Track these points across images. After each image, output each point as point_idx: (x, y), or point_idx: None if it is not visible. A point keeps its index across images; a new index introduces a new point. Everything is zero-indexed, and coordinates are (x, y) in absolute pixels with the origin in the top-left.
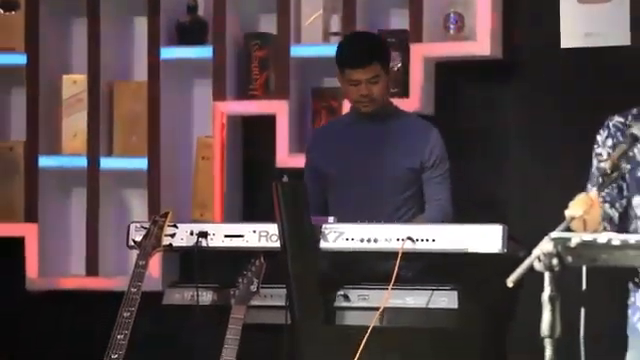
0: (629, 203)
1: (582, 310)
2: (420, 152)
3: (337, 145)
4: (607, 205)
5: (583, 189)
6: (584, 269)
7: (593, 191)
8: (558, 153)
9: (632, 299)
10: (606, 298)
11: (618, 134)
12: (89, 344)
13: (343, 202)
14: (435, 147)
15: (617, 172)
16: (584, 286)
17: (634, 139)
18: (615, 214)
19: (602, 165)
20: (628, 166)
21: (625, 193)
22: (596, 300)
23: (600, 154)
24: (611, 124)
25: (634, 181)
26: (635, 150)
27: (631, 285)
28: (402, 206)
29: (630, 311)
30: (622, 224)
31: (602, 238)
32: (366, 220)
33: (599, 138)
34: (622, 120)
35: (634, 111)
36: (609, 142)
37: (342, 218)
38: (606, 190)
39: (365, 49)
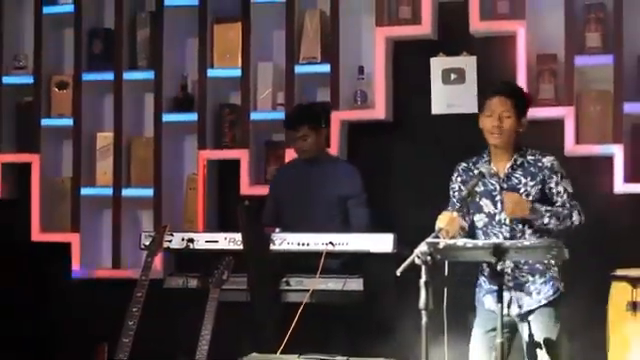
0: (473, 219)
1: (445, 290)
2: (345, 186)
3: (288, 180)
4: (461, 219)
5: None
6: (446, 263)
7: (455, 212)
8: (430, 186)
9: (479, 281)
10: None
11: (463, 174)
12: (114, 313)
13: (291, 218)
14: (356, 183)
15: (471, 197)
16: (446, 272)
17: (482, 175)
18: (466, 225)
19: (462, 193)
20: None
21: (471, 211)
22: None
23: (454, 188)
24: (460, 168)
25: (474, 205)
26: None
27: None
28: (330, 223)
29: (477, 289)
30: (470, 231)
31: (460, 242)
32: (305, 230)
33: (452, 178)
34: (466, 165)
35: (473, 159)
36: (459, 179)
37: (289, 229)
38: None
39: (295, 116)
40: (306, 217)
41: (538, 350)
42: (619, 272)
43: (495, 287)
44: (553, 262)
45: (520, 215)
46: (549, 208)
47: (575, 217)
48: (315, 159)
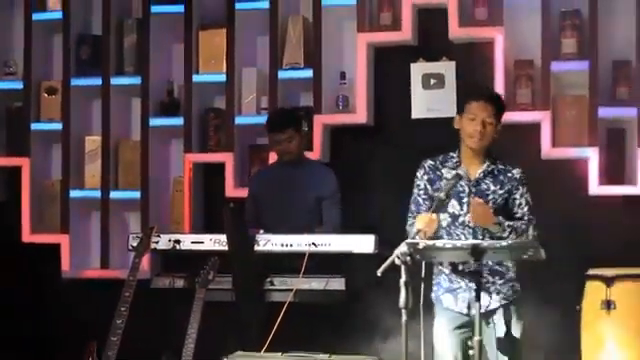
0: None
1: (422, 285)
2: (322, 187)
3: (269, 182)
4: None
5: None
6: (423, 263)
7: (433, 214)
8: (410, 188)
9: (437, 280)
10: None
11: (430, 172)
12: (103, 312)
13: (271, 219)
14: (331, 184)
15: (448, 199)
16: (423, 273)
17: (459, 178)
18: None
19: (440, 195)
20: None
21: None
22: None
23: (419, 185)
24: (426, 165)
25: None
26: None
27: (436, 270)
28: (307, 223)
29: (435, 287)
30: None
31: (439, 243)
32: (285, 231)
33: (418, 174)
34: (433, 163)
35: (440, 157)
36: (425, 177)
37: (270, 229)
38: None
39: (283, 119)
40: (285, 218)
41: (502, 347)
42: (593, 271)
43: (454, 287)
44: (511, 264)
45: (483, 225)
46: (511, 223)
47: (531, 232)
48: (295, 161)
